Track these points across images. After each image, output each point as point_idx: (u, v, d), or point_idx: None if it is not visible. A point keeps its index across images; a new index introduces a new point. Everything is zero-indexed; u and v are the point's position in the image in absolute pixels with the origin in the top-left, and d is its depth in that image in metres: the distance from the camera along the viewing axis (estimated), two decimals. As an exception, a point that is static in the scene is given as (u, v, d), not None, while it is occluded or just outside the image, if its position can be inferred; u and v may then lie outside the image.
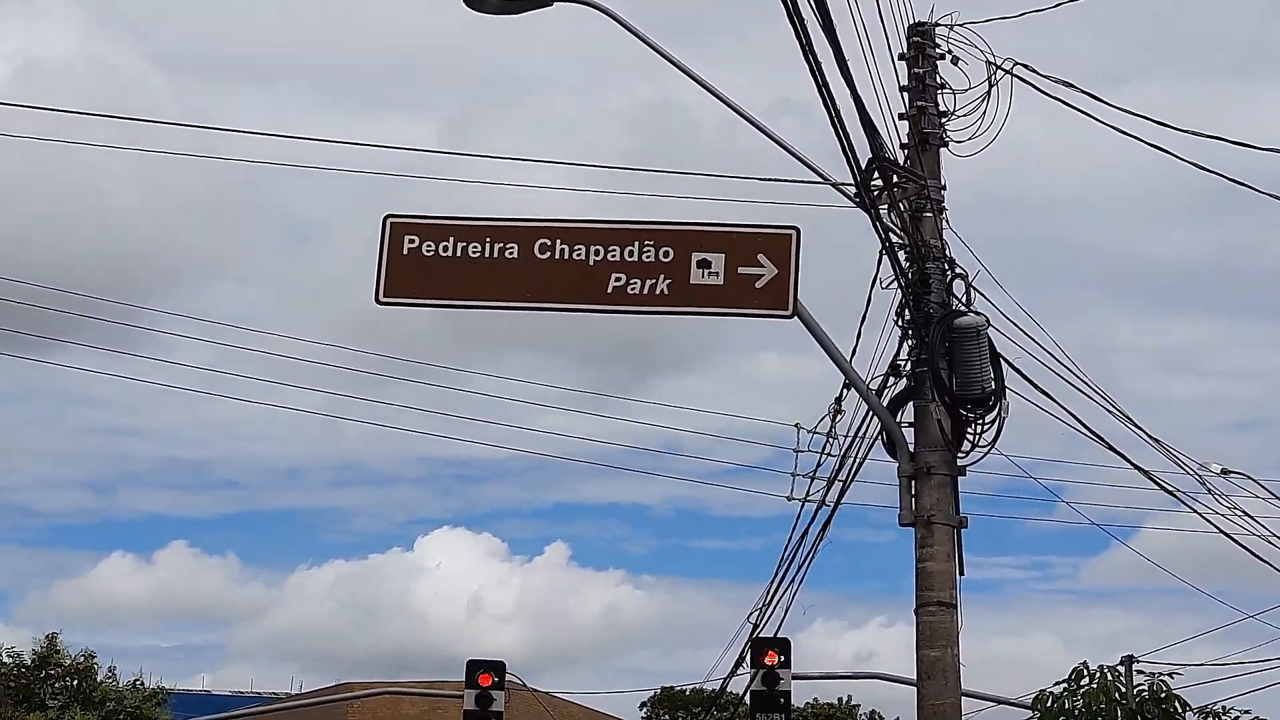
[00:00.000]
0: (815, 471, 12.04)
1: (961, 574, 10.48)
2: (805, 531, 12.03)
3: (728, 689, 21.55)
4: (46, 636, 37.20)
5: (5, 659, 35.99)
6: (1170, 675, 17.37)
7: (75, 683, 36.83)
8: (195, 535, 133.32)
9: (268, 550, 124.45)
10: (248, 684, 63.43)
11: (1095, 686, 16.57)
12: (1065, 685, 16.63)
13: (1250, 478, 16.35)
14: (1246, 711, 17.03)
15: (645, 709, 45.70)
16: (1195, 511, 14.35)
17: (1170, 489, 14.00)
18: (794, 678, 19.48)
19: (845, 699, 42.06)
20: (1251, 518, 14.83)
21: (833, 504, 11.78)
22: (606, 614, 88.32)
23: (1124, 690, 17.17)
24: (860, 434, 11.39)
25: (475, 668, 21.63)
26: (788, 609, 13.56)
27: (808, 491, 12.05)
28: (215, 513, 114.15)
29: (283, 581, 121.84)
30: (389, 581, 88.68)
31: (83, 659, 37.19)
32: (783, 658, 18.42)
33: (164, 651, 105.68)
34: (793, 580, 12.61)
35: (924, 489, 10.33)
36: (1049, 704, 16.51)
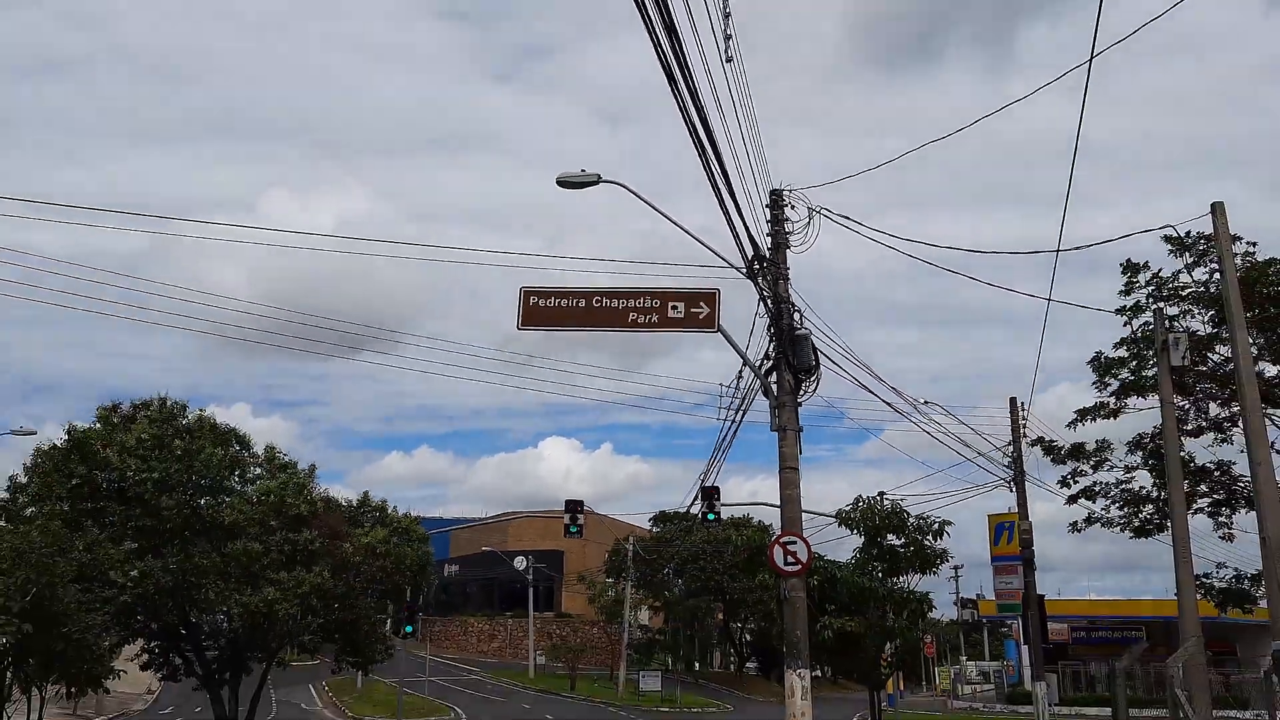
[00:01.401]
0: (732, 406, 16.65)
1: (800, 454, 15.75)
2: (727, 435, 17.94)
3: (692, 511, 33.01)
4: (362, 493, 75.84)
5: (343, 503, 66.98)
6: (901, 500, 25.18)
7: (377, 514, 69.72)
8: (433, 443, 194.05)
9: (468, 449, 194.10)
10: (460, 513, 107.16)
11: (865, 506, 24.62)
12: (851, 506, 24.61)
13: (939, 406, 28.07)
14: (942, 519, 24.95)
15: (652, 522, 74.34)
16: (912, 421, 25.01)
17: (899, 411, 23.96)
18: (722, 505, 30.35)
19: (746, 515, 71.87)
20: (939, 425, 23.82)
21: (737, 422, 17.28)
22: (632, 479, 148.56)
23: (879, 508, 24.90)
24: (751, 388, 16.13)
25: (571, 504, 35.95)
26: (717, 473, 21.26)
27: (727, 416, 16.87)
28: (434, 433, 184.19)
29: (475, 464, 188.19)
30: (527, 465, 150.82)
31: (380, 502, 75.83)
32: (717, 497, 28.65)
33: (419, 499, 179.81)
34: (721, 458, 19.09)
35: (782, 412, 15.82)
36: (843, 515, 24.42)
